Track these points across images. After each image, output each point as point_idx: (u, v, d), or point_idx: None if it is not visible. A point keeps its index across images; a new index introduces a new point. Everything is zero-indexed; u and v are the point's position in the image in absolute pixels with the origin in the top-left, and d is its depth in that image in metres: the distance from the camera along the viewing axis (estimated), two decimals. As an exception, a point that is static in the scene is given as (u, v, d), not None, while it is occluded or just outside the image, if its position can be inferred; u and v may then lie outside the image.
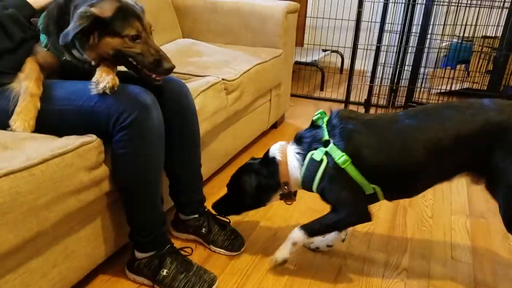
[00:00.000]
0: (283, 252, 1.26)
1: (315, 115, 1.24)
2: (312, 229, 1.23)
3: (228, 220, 1.48)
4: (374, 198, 1.20)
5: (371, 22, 2.93)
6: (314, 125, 1.23)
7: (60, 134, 1.06)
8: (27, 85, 1.06)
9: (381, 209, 1.74)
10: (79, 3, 1.06)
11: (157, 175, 1.19)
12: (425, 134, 1.10)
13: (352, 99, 3.00)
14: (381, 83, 3.00)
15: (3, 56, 1.12)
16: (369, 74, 3.02)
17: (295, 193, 1.30)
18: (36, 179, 0.89)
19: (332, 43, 3.75)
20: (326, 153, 1.15)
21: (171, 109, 1.25)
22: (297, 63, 3.40)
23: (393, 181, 1.17)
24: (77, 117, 1.07)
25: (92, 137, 1.06)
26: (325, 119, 1.22)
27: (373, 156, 1.12)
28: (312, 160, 1.18)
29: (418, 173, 1.15)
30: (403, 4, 2.79)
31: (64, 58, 1.13)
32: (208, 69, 1.81)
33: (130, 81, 1.16)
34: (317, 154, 1.16)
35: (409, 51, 2.86)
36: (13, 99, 1.07)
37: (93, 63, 1.11)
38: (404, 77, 2.94)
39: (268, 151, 1.30)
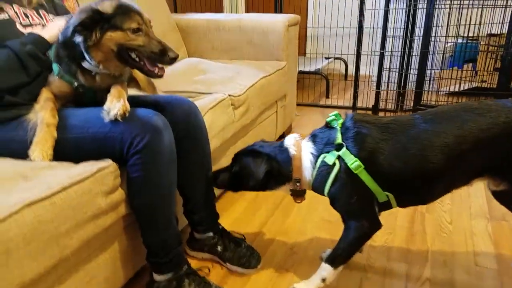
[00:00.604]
0: (310, 286, 1.24)
1: (330, 116, 1.21)
2: (336, 259, 1.21)
3: (243, 237, 1.49)
4: (386, 206, 1.17)
5: (373, 28, 2.95)
6: (328, 126, 1.21)
7: (77, 161, 1.08)
8: (43, 115, 1.10)
9: (399, 216, 1.73)
10: None
11: (171, 195, 1.21)
12: (443, 139, 1.06)
13: (359, 104, 3.01)
14: (387, 87, 3.00)
15: (20, 89, 1.16)
16: (374, 79, 3.03)
17: (304, 192, 1.28)
18: (56, 207, 0.91)
19: (334, 50, 3.78)
20: (339, 157, 1.12)
21: (182, 129, 1.28)
22: (301, 72, 3.43)
23: (408, 187, 1.14)
24: (92, 143, 1.10)
25: (108, 162, 1.08)
26: (340, 121, 1.19)
27: (388, 162, 1.09)
28: (324, 163, 1.15)
29: (436, 179, 1.12)
30: (404, 10, 2.80)
31: (76, 84, 1.17)
32: (214, 86, 1.84)
33: (141, 105, 1.20)
34: (330, 157, 1.13)
35: (414, 54, 2.87)
36: (31, 129, 1.10)
37: (100, 67, 1.13)
38: (410, 80, 2.94)
39: (283, 141, 1.25)
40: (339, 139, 1.14)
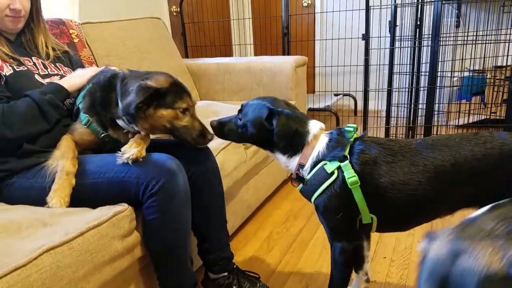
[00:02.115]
0: None
1: (349, 127, 1.21)
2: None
3: (258, 275, 1.48)
4: (365, 228, 1.18)
5: (380, 65, 3.01)
6: (343, 135, 1.19)
7: (93, 205, 1.12)
8: (63, 164, 1.15)
9: (413, 251, 1.70)
10: (127, 79, 1.20)
11: (186, 236, 1.23)
12: (440, 167, 1.08)
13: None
14: (397, 123, 3.03)
15: (40, 137, 1.22)
16: (384, 114, 3.07)
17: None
18: (74, 252, 0.94)
19: (343, 87, 3.85)
20: (339, 168, 1.12)
21: (195, 171, 1.31)
22: (310, 109, 3.49)
23: (396, 212, 1.14)
24: (109, 188, 1.14)
25: (123, 206, 1.12)
26: (354, 135, 1.19)
27: (385, 185, 1.10)
28: (322, 169, 1.14)
29: (426, 207, 1.12)
30: (409, 48, 2.88)
31: (103, 134, 1.24)
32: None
33: (155, 148, 1.25)
34: (330, 166, 1.13)
35: (422, 89, 2.91)
36: (49, 176, 1.15)
37: (142, 132, 1.22)
38: (420, 115, 2.97)
39: (308, 120, 1.20)
40: (346, 151, 1.14)
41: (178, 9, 3.21)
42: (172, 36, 2.68)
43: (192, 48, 3.33)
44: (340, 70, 3.82)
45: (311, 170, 1.17)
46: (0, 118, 1.15)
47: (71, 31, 1.83)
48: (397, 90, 2.94)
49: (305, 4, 4.19)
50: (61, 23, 1.81)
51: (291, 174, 1.24)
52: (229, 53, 4.11)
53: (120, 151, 1.16)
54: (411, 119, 3.00)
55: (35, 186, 1.15)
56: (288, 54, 3.22)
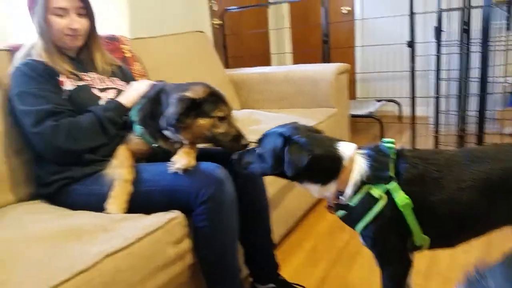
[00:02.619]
0: None
1: (386, 142, 1.12)
2: None
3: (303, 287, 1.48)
4: (415, 248, 1.11)
5: (426, 71, 2.92)
6: (382, 152, 1.10)
7: (148, 212, 1.17)
8: (121, 172, 1.22)
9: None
10: (170, 91, 1.28)
11: (234, 244, 1.26)
12: (490, 182, 1.01)
13: (417, 146, 2.93)
14: (446, 131, 2.91)
15: (100, 148, 1.30)
16: (431, 120, 2.96)
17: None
18: (132, 257, 0.99)
19: (387, 92, 3.76)
20: (387, 192, 1.03)
21: (241, 179, 1.34)
22: (353, 116, 3.44)
23: (446, 231, 1.08)
24: (162, 195, 1.19)
25: (176, 213, 1.16)
26: (393, 151, 1.09)
27: (435, 204, 1.03)
28: (368, 194, 1.05)
29: (476, 223, 1.06)
30: (457, 55, 2.77)
31: (155, 145, 1.31)
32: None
33: (205, 157, 1.29)
34: (376, 190, 1.04)
35: (471, 95, 2.79)
36: (108, 183, 1.22)
37: (185, 142, 1.27)
38: (470, 122, 2.84)
39: (337, 143, 1.10)
40: (391, 171, 1.05)
41: (220, 22, 3.29)
42: (214, 47, 2.76)
43: (232, 59, 3.40)
44: (383, 76, 3.74)
45: (353, 196, 1.07)
46: (65, 131, 1.24)
47: (123, 46, 1.93)
48: (445, 97, 2.84)
49: (344, 11, 4.17)
50: (114, 39, 1.92)
51: (328, 206, 1.15)
52: (267, 63, 4.15)
53: (171, 161, 1.21)
54: (461, 126, 2.87)
55: (94, 193, 1.23)
56: (328, 62, 3.20)
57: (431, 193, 1.03)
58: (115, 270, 0.94)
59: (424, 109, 3.05)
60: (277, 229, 1.77)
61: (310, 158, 1.04)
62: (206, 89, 1.25)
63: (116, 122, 1.33)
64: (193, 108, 1.22)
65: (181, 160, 1.20)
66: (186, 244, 1.18)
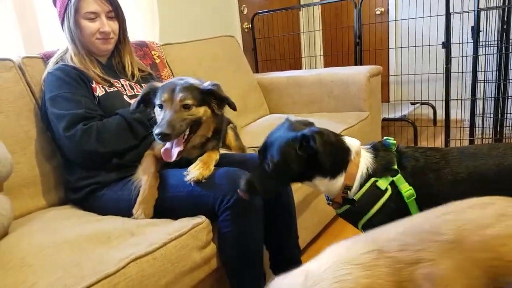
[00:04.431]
0: None
1: (388, 139, 1.14)
2: None
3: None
4: None
5: (462, 72, 2.81)
6: (384, 147, 1.12)
7: (174, 217, 1.19)
8: (146, 178, 1.24)
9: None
10: None
11: (259, 248, 1.25)
12: (485, 176, 1.03)
13: (451, 152, 2.82)
14: (482, 134, 2.78)
15: (128, 153, 1.32)
16: (466, 123, 2.84)
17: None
18: (157, 262, 1.00)
19: (421, 95, 3.63)
20: (392, 183, 1.06)
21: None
22: (385, 119, 3.35)
23: None
24: (188, 201, 1.20)
25: (202, 218, 1.17)
26: (394, 147, 1.13)
27: (436, 195, 1.04)
28: (374, 187, 1.07)
29: None
30: (495, 55, 2.65)
31: None
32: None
33: (231, 163, 1.29)
34: (383, 182, 1.06)
35: (510, 97, 2.65)
36: (135, 189, 1.24)
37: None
38: (508, 125, 2.70)
39: (343, 138, 1.11)
40: (395, 164, 1.08)
41: (250, 25, 3.30)
42: (243, 51, 2.77)
43: (262, 63, 3.39)
44: (417, 78, 3.63)
45: (359, 189, 1.08)
46: (95, 134, 1.27)
47: (153, 52, 1.97)
48: (481, 99, 2.71)
49: (378, 12, 4.07)
50: (144, 45, 1.96)
51: (330, 201, 1.14)
52: (298, 66, 4.12)
53: (186, 171, 1.22)
54: (498, 130, 2.73)
55: (122, 198, 1.25)
56: (361, 64, 3.14)
57: (432, 184, 1.06)
58: (140, 274, 0.96)
59: (460, 112, 2.93)
60: (303, 235, 1.75)
61: (337, 146, 1.06)
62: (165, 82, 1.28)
63: (143, 123, 1.34)
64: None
65: (194, 171, 1.20)
66: (211, 249, 1.18)
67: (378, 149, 1.11)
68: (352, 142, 1.10)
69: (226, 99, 1.28)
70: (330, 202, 1.16)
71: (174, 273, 1.04)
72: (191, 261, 1.10)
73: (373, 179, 1.07)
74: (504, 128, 2.73)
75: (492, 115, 2.73)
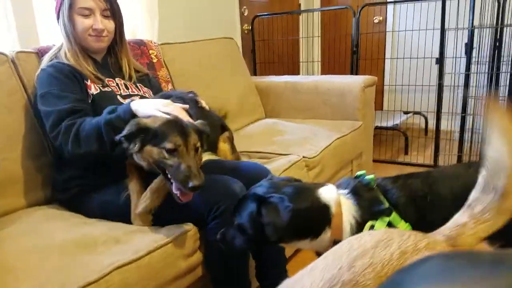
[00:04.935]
0: None
1: (363, 175, 1.08)
2: None
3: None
4: None
5: (454, 86, 2.84)
6: (365, 186, 1.05)
7: (161, 223, 1.18)
8: (131, 185, 1.22)
9: None
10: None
11: (245, 258, 1.26)
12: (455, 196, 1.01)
13: (440, 163, 2.85)
14: (470, 149, 2.82)
15: (120, 155, 1.24)
16: (457, 135, 2.88)
17: None
18: (142, 270, 1.00)
19: (414, 105, 3.67)
20: (389, 224, 1.01)
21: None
22: (377, 128, 3.37)
23: None
24: (176, 209, 1.18)
25: (189, 226, 1.17)
26: (374, 183, 1.06)
27: (433, 223, 1.01)
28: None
29: None
30: (486, 74, 2.68)
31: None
32: (290, 147, 1.90)
33: (221, 170, 1.28)
34: (380, 224, 1.00)
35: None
36: (124, 195, 1.22)
37: (145, 167, 1.18)
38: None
39: (318, 192, 1.02)
40: (385, 203, 1.02)
41: (250, 27, 3.29)
42: (242, 53, 2.76)
43: (260, 65, 3.39)
44: (411, 88, 3.65)
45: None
46: (73, 135, 1.21)
47: (150, 51, 1.95)
48: (471, 115, 2.74)
49: (376, 21, 4.08)
50: (141, 44, 1.95)
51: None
52: (296, 71, 4.12)
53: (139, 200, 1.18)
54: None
55: (110, 201, 1.24)
56: (356, 73, 3.15)
57: (424, 215, 1.03)
58: (123, 283, 0.96)
59: (450, 124, 2.96)
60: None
61: (291, 213, 0.95)
62: (166, 119, 1.14)
63: (116, 127, 1.18)
64: (144, 135, 1.11)
65: (142, 203, 1.16)
66: (197, 257, 1.18)
67: (358, 191, 1.04)
68: (329, 195, 1.02)
69: (208, 137, 1.25)
70: None
71: (158, 281, 1.04)
72: (176, 269, 1.09)
73: (369, 223, 1.00)
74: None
75: (481, 131, 2.77)
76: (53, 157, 1.40)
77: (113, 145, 1.17)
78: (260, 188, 1.03)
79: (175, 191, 1.11)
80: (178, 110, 1.23)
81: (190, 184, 1.06)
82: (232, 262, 1.21)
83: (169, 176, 1.11)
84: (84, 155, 1.22)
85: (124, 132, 1.10)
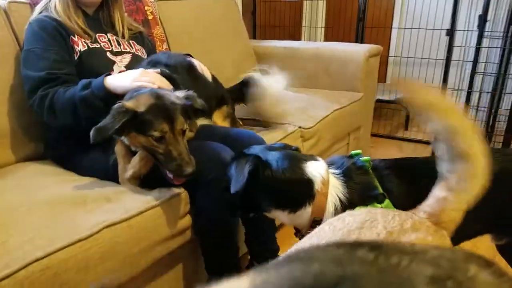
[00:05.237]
0: None
1: (358, 155, 1.02)
2: None
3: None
4: None
5: (462, 61, 2.77)
6: (359, 168, 0.98)
7: (152, 186, 1.18)
8: (117, 148, 1.19)
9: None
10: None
11: (235, 224, 1.27)
12: None
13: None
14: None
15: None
16: (459, 113, 2.84)
17: None
18: (132, 230, 1.00)
19: (418, 79, 3.60)
20: None
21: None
22: (378, 101, 3.32)
23: None
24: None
25: (180, 189, 1.17)
26: (369, 165, 0.99)
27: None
28: None
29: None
30: (499, 49, 2.60)
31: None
32: (286, 117, 1.87)
33: (212, 136, 1.27)
34: None
35: (507, 92, 2.64)
36: (112, 158, 1.20)
37: (133, 149, 1.14)
38: (500, 120, 2.70)
39: (305, 164, 0.96)
40: (379, 188, 0.95)
41: (252, -13, 3.17)
42: (242, 13, 2.67)
43: (261, 28, 3.29)
44: (417, 61, 3.57)
45: None
46: (48, 106, 1.19)
47: (146, 8, 1.88)
48: (478, 92, 2.69)
49: (386, -13, 3.93)
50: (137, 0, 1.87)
51: (297, 233, 1.02)
52: (297, 36, 4.01)
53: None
54: (490, 124, 2.74)
55: (100, 160, 1.23)
56: (362, 41, 3.06)
57: (420, 201, 0.93)
58: (113, 241, 0.96)
59: (455, 100, 2.92)
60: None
61: (251, 170, 0.91)
62: (150, 100, 1.06)
63: (91, 104, 1.15)
64: (131, 119, 1.04)
65: (129, 170, 1.14)
66: (187, 220, 1.19)
67: (351, 172, 0.97)
68: (316, 171, 0.95)
69: (201, 110, 1.19)
70: (298, 234, 1.01)
71: (148, 242, 1.05)
72: (166, 231, 1.10)
73: (358, 208, 0.91)
74: (496, 123, 2.74)
75: (486, 109, 2.73)
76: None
77: (88, 122, 1.11)
78: (250, 149, 1.01)
79: (168, 175, 1.09)
80: (156, 79, 1.17)
81: (184, 172, 1.04)
82: (221, 228, 1.22)
83: (160, 162, 1.09)
84: (61, 125, 1.23)
85: (117, 124, 1.01)
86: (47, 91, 1.20)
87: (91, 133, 1.03)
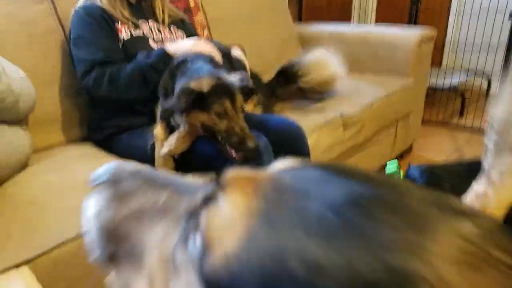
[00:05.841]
0: None
1: (389, 165, 0.99)
2: None
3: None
4: None
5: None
6: None
7: (185, 171, 1.18)
8: (156, 132, 1.22)
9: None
10: (184, 70, 1.18)
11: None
12: None
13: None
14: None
15: (150, 100, 1.29)
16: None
17: None
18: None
19: (477, 64, 3.32)
20: None
21: (285, 152, 1.28)
22: (431, 88, 3.12)
23: None
24: (200, 161, 1.20)
25: (212, 175, 1.15)
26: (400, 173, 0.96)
27: None
28: None
29: None
30: None
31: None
32: (329, 102, 1.81)
33: (248, 123, 1.24)
34: None
35: None
36: (150, 139, 1.23)
37: (186, 128, 1.18)
38: None
39: None
40: None
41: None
42: (289, -3, 2.58)
43: (307, 10, 3.18)
44: (476, 47, 3.30)
45: None
46: (108, 81, 1.24)
47: (188, -5, 1.87)
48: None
49: (445, -35, 3.64)
50: (180, -14, 1.87)
51: None
52: (347, 17, 3.85)
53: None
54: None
55: (137, 146, 1.26)
56: (415, 23, 2.87)
57: None
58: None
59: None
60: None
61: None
62: (212, 81, 1.12)
63: (158, 69, 1.25)
64: (197, 99, 1.10)
65: (165, 146, 1.16)
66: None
67: None
68: None
69: (252, 93, 1.26)
70: None
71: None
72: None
73: None
74: None
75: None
76: (89, 97, 1.43)
77: (149, 91, 1.26)
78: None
79: (229, 151, 1.12)
80: (212, 48, 1.32)
81: (248, 146, 1.08)
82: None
83: (220, 139, 1.12)
84: (120, 99, 1.29)
85: (184, 104, 1.09)
86: (103, 72, 1.25)
87: (160, 113, 1.18)
